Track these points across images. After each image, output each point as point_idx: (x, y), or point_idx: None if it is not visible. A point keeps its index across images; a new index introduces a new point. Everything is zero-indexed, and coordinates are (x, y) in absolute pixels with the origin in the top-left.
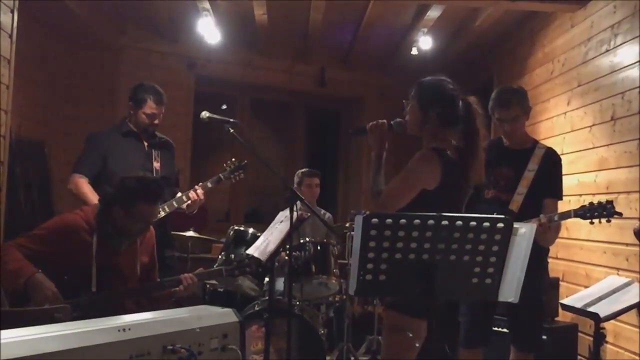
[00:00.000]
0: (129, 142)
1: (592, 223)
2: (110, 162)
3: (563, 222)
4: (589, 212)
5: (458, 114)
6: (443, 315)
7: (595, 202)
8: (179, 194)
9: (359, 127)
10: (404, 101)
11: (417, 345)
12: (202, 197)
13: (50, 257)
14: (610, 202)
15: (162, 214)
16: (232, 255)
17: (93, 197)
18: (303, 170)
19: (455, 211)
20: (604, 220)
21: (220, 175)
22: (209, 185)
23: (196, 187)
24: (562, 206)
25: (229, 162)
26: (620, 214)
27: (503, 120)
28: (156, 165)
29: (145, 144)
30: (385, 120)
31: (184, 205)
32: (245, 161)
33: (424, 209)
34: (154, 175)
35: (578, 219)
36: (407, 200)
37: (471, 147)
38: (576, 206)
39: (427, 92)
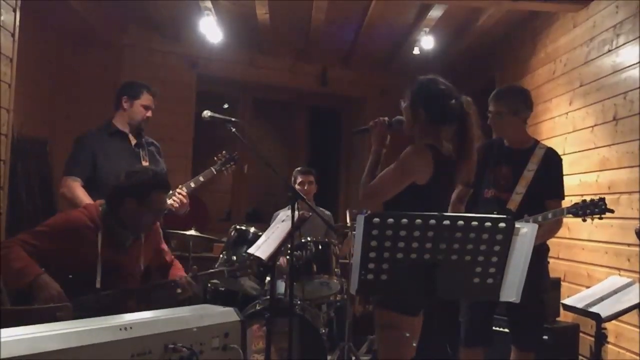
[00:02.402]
0: (116, 142)
1: (584, 220)
2: (99, 163)
3: (565, 223)
4: (582, 209)
5: (446, 112)
6: (443, 314)
7: (588, 199)
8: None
9: (362, 127)
10: (401, 100)
11: (413, 343)
12: (186, 200)
13: (53, 254)
14: (602, 199)
15: None
16: (234, 257)
17: (87, 200)
18: (298, 168)
19: (442, 208)
20: (604, 220)
21: (212, 168)
22: (201, 179)
23: (178, 190)
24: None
25: (219, 154)
26: (612, 211)
27: (490, 113)
28: (145, 164)
29: (133, 143)
30: (386, 118)
31: (173, 208)
32: (236, 152)
33: (412, 204)
34: None
35: (579, 220)
36: (395, 192)
37: (462, 146)
38: None
39: (416, 90)
